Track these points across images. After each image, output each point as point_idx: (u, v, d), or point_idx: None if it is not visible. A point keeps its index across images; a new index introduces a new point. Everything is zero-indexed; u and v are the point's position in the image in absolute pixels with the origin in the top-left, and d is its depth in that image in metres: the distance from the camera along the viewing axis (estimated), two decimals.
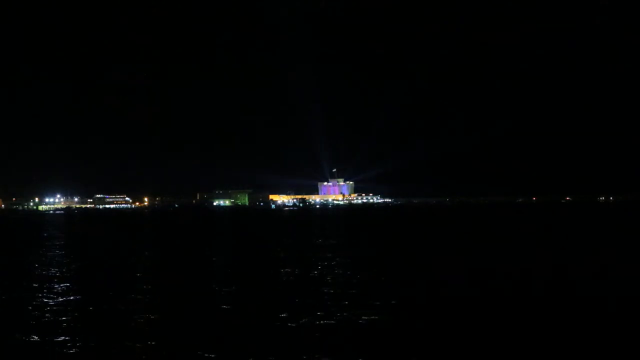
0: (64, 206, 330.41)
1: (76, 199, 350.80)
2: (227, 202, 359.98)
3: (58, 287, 27.13)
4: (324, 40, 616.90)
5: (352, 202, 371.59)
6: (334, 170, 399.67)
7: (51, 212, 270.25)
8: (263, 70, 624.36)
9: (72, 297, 24.46)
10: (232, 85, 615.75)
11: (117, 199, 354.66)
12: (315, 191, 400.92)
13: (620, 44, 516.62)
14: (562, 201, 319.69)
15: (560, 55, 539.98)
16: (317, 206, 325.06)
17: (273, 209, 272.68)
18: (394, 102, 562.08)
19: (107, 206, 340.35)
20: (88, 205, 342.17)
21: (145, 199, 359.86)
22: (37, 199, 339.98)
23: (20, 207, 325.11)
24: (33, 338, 17.57)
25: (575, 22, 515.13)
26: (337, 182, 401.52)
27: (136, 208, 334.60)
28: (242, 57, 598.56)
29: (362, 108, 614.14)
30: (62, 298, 24.32)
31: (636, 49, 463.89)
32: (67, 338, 17.52)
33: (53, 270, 33.68)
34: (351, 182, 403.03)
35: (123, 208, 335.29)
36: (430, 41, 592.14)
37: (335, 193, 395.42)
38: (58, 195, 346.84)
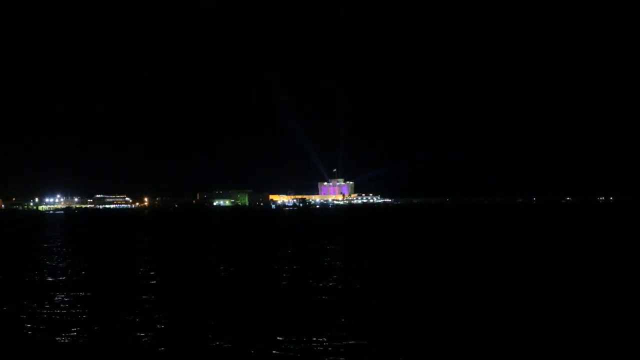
0: (64, 206, 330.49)
1: (76, 199, 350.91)
2: (227, 202, 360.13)
3: (56, 295, 27.12)
4: (325, 41, 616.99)
5: (352, 202, 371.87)
6: (334, 170, 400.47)
7: (51, 212, 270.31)
8: (263, 70, 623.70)
9: (69, 306, 24.42)
10: (231, 85, 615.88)
11: (117, 199, 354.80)
12: (315, 191, 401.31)
13: (620, 44, 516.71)
14: (562, 201, 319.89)
15: (560, 55, 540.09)
16: (317, 206, 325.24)
17: (273, 209, 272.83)
18: (394, 102, 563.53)
19: (107, 206, 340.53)
20: (88, 205, 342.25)
21: (145, 199, 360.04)
22: (37, 199, 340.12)
23: (20, 207, 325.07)
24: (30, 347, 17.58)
25: (576, 22, 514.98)
26: (337, 182, 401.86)
27: (136, 208, 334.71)
28: (241, 57, 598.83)
29: (363, 108, 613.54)
30: (60, 306, 24.29)
31: (636, 49, 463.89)
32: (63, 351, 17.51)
33: (52, 276, 33.67)
34: (351, 182, 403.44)
35: (123, 208, 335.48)
36: (430, 41, 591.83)
37: (335, 193, 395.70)
38: (58, 195, 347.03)
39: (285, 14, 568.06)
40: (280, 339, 17.72)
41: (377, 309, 22.26)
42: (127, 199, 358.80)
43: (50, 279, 31.49)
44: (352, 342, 17.35)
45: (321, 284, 28.21)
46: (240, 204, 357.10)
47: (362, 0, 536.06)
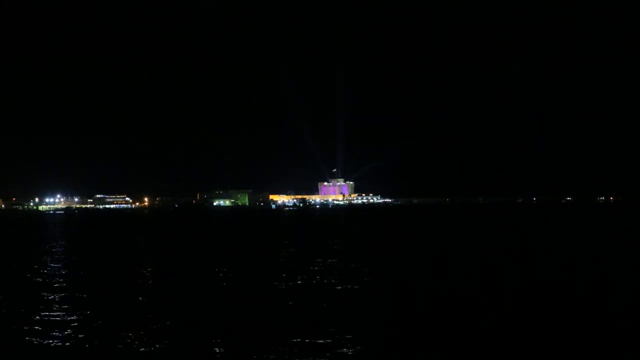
0: (64, 206, 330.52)
1: (76, 199, 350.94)
2: (227, 202, 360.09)
3: (55, 295, 27.09)
4: (325, 40, 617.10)
5: (352, 202, 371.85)
6: (334, 170, 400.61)
7: (51, 212, 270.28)
8: (263, 70, 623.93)
9: (67, 307, 24.39)
10: (231, 86, 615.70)
11: (117, 199, 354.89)
12: (315, 191, 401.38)
13: (620, 44, 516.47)
14: (562, 201, 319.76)
15: (560, 55, 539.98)
16: (317, 206, 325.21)
17: (273, 209, 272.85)
18: (394, 102, 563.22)
19: (107, 206, 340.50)
20: (88, 205, 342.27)
21: (145, 199, 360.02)
22: (37, 199, 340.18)
23: (20, 207, 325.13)
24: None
25: (576, 22, 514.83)
26: (337, 182, 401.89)
27: (136, 208, 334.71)
28: (241, 57, 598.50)
29: (363, 108, 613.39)
30: (58, 307, 24.26)
31: (636, 49, 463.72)
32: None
33: (51, 277, 33.63)
34: (351, 182, 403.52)
35: (123, 208, 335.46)
36: (430, 41, 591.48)
37: (335, 193, 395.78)
38: (58, 195, 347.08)
39: (285, 14, 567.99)
40: (279, 340, 17.69)
41: (377, 310, 22.24)
42: (127, 199, 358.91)
43: (49, 280, 31.45)
44: (352, 343, 17.33)
45: (320, 285, 28.19)
46: (240, 204, 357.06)
47: (362, 0, 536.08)
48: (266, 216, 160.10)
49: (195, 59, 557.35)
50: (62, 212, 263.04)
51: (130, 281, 30.53)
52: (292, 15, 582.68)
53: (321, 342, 17.41)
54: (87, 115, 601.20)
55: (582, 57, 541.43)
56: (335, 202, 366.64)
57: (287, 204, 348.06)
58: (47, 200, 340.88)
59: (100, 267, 37.41)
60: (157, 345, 17.45)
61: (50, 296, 26.03)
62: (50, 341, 18.08)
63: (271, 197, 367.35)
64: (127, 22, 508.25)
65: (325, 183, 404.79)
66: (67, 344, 17.80)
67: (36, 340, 18.16)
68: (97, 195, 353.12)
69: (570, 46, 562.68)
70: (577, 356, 16.22)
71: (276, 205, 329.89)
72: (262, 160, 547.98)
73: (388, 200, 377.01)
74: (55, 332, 19.19)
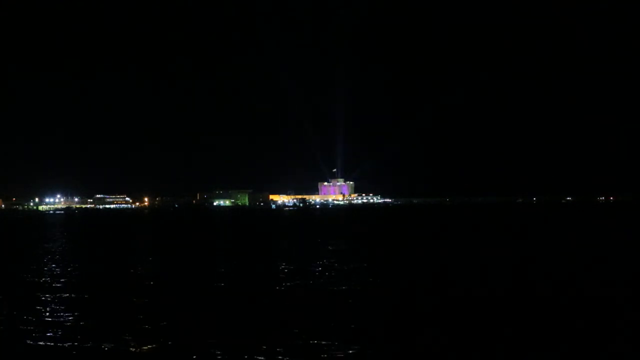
0: (64, 206, 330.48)
1: (76, 199, 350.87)
2: (227, 202, 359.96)
3: (54, 296, 27.06)
4: (324, 41, 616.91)
5: (352, 202, 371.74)
6: (334, 170, 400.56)
7: (51, 212, 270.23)
8: (263, 70, 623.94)
9: (66, 308, 24.37)
10: (231, 86, 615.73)
11: (117, 199, 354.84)
12: (315, 191, 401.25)
13: (620, 44, 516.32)
14: (562, 201, 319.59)
15: (560, 55, 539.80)
16: (317, 206, 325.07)
17: (273, 209, 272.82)
18: (394, 102, 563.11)
19: (107, 206, 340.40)
20: (88, 205, 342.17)
21: (145, 199, 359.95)
22: (37, 199, 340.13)
23: (20, 207, 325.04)
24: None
25: (576, 22, 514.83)
26: (337, 182, 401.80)
27: (136, 208, 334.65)
28: (241, 57, 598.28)
29: (363, 108, 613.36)
30: (56, 308, 24.23)
31: (636, 49, 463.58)
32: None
33: (51, 277, 33.59)
34: (351, 182, 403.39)
35: (123, 208, 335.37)
36: (430, 41, 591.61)
37: (335, 193, 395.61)
38: (58, 195, 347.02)
39: (285, 14, 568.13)
40: (278, 340, 17.66)
41: (377, 310, 22.21)
42: (127, 199, 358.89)
43: (48, 280, 31.43)
44: (352, 344, 17.31)
45: (320, 285, 28.16)
46: (240, 204, 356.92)
47: (362, 0, 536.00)
48: (266, 216, 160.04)
49: (195, 59, 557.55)
50: (62, 212, 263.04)
51: (129, 281, 30.50)
52: (292, 15, 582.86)
53: (321, 342, 17.39)
54: (87, 115, 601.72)
55: (582, 57, 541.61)
56: (335, 202, 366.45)
57: (287, 204, 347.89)
58: (47, 200, 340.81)
59: (100, 268, 37.38)
60: (157, 346, 17.44)
61: (49, 296, 25.99)
62: (50, 342, 18.05)
63: (271, 197, 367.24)
64: (127, 22, 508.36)
65: (325, 183, 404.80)
66: (67, 344, 17.77)
67: (36, 341, 18.13)
68: (97, 195, 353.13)
69: (570, 46, 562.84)
70: (576, 355, 16.22)
71: (276, 205, 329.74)
72: (262, 160, 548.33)
73: (388, 200, 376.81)
74: (55, 332, 19.17)
